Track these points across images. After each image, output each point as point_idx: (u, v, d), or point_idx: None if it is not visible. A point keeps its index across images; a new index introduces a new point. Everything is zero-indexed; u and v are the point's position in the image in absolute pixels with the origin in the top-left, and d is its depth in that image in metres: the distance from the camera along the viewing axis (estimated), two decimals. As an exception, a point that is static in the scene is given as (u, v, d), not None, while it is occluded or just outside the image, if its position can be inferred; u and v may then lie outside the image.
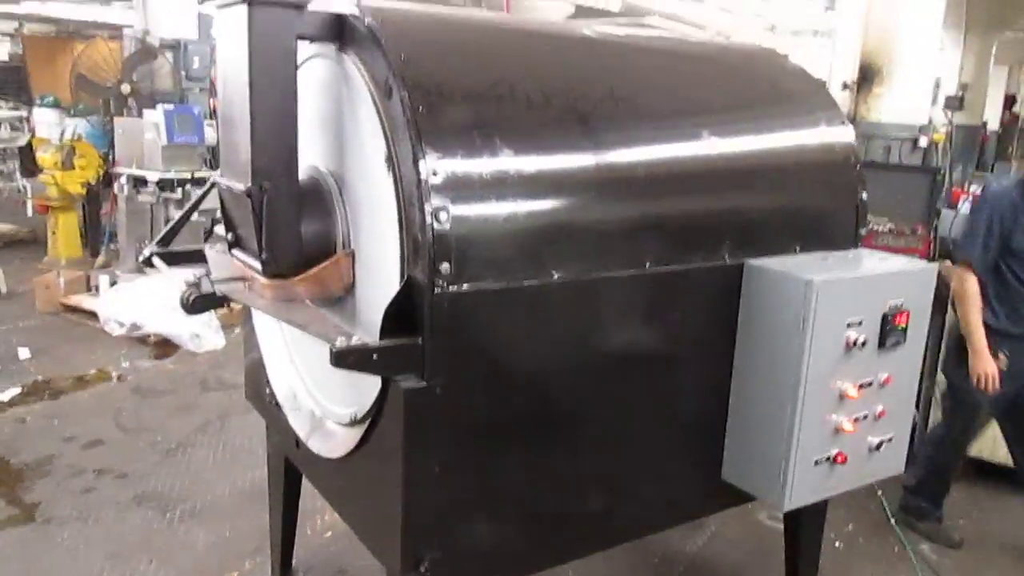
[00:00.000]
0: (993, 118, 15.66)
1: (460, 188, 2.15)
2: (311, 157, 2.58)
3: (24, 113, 12.05)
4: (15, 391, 5.83)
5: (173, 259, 3.05)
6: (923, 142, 5.79)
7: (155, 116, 7.98)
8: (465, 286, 2.15)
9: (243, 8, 2.23)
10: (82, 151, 8.94)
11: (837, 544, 4.23)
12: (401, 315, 2.15)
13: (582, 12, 14.86)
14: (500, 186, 2.24)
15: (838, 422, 2.72)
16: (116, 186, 8.36)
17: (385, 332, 2.14)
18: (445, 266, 2.11)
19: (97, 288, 7.73)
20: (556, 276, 2.32)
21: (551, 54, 2.72)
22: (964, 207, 5.25)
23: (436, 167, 2.12)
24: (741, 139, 2.85)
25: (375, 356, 2.12)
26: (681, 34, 3.48)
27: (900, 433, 2.95)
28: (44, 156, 8.98)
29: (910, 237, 5.17)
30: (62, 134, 9.46)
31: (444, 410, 2.20)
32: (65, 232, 9.37)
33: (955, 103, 10.84)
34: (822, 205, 3.04)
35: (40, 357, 6.56)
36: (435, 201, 2.10)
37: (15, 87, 16.73)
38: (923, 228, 5.23)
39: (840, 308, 2.63)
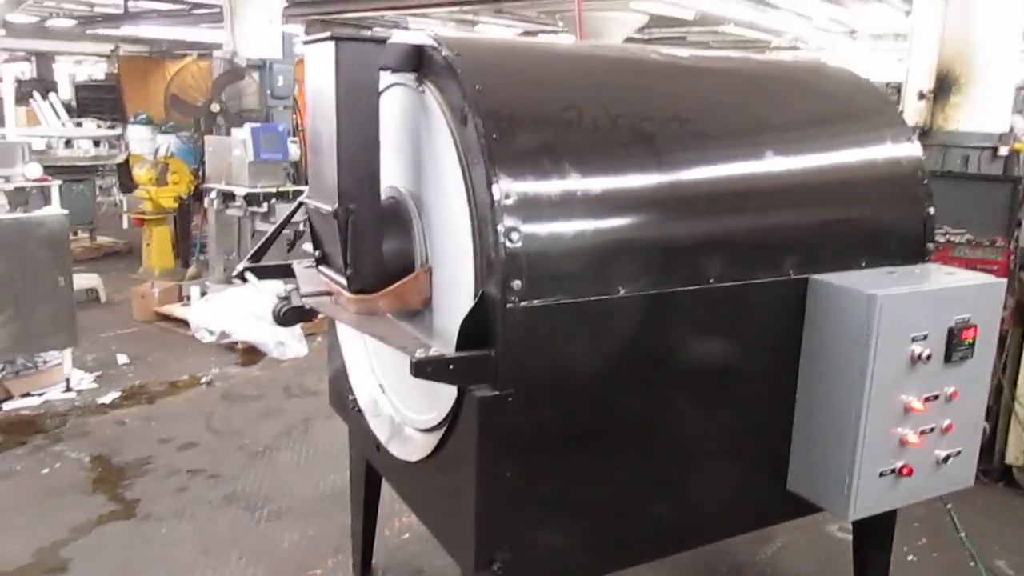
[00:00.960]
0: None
1: (531, 209, 2.29)
2: (391, 178, 2.74)
3: (119, 131, 12.70)
4: (115, 394, 6.23)
5: (263, 273, 3.26)
6: (1003, 151, 5.65)
7: (242, 134, 8.38)
8: (535, 301, 2.28)
9: (330, 44, 2.41)
10: (175, 167, 9.45)
11: (910, 558, 4.20)
12: (475, 328, 2.29)
13: (656, 21, 14.83)
14: (568, 206, 2.36)
15: (903, 435, 2.74)
16: (206, 200, 8.80)
17: (461, 344, 2.28)
18: (517, 283, 2.24)
19: (188, 298, 8.13)
20: (622, 291, 2.42)
21: (618, 78, 2.83)
22: (1047, 218, 5.11)
23: (508, 190, 2.25)
24: (805, 156, 2.91)
25: (451, 367, 2.27)
26: (746, 53, 3.53)
27: (968, 447, 2.94)
28: (140, 172, 9.52)
29: (988, 248, 5.06)
30: (156, 151, 9.99)
31: (515, 418, 2.33)
32: (159, 244, 9.89)
33: (1044, 107, 10.46)
34: (888, 220, 3.05)
35: (137, 363, 6.97)
36: (507, 222, 2.24)
37: (110, 105, 17.66)
38: (1003, 239, 5.12)
39: (904, 322, 2.66)
